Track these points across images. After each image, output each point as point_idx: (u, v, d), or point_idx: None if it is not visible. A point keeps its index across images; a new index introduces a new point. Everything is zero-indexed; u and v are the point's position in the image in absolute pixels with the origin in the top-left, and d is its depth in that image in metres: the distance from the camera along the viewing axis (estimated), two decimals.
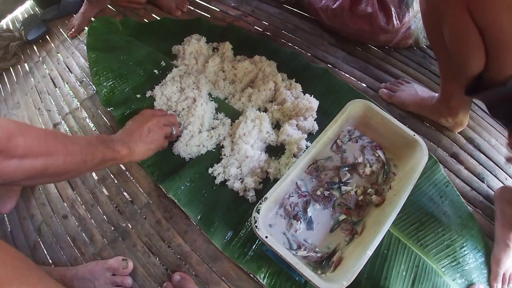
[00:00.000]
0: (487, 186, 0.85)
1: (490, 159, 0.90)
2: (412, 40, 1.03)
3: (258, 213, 0.63)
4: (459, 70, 0.69)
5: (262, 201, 0.64)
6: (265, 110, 0.92)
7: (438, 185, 0.80)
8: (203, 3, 1.29)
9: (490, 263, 0.73)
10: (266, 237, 0.60)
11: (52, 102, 1.12)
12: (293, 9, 1.23)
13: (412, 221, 0.76)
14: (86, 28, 1.27)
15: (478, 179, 0.86)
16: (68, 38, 1.29)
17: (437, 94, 0.87)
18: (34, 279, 0.53)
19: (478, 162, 0.89)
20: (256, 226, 0.61)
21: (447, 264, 0.73)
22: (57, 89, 1.15)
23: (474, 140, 0.92)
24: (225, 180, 0.82)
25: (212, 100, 0.95)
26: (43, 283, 0.55)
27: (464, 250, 0.74)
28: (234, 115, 0.92)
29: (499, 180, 0.87)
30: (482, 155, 0.90)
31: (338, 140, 0.80)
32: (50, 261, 0.82)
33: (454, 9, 0.57)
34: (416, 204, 0.78)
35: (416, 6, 0.95)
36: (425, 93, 0.92)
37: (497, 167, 0.89)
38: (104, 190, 0.89)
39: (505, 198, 0.78)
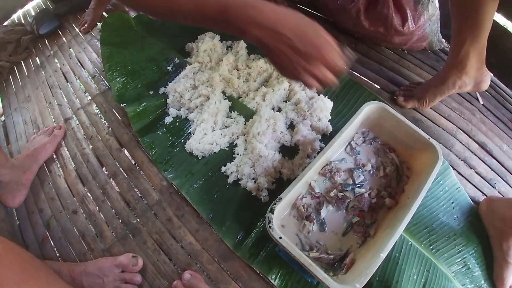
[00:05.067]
0: (498, 192, 0.85)
1: (502, 165, 0.90)
2: (426, 43, 1.03)
3: (272, 213, 0.62)
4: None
5: (277, 201, 0.64)
6: (279, 110, 0.92)
7: (450, 190, 0.80)
8: None
9: (494, 282, 0.72)
10: (280, 237, 0.59)
11: (64, 96, 1.12)
12: (307, 9, 1.23)
13: (424, 225, 0.76)
14: (98, 23, 1.27)
15: (490, 184, 0.86)
16: (80, 33, 1.29)
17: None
18: (43, 282, 0.53)
19: (490, 168, 0.89)
20: (270, 227, 0.61)
21: (457, 269, 0.72)
22: (68, 83, 1.15)
23: (487, 145, 0.91)
24: (238, 179, 0.82)
25: (225, 99, 0.94)
26: (52, 285, 0.55)
27: (475, 256, 0.74)
28: (248, 114, 0.91)
29: (510, 186, 0.87)
30: (494, 160, 0.90)
31: (352, 142, 0.80)
32: (59, 256, 0.82)
33: None
34: (428, 208, 0.77)
35: (431, 9, 0.94)
36: (432, 78, 0.92)
37: (508, 173, 0.89)
38: (115, 186, 0.89)
39: (493, 212, 0.75)
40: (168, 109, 0.94)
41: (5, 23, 1.43)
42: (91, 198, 0.89)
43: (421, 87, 0.94)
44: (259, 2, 0.51)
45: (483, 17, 0.69)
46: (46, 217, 0.88)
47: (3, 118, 1.19)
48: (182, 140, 0.89)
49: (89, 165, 0.94)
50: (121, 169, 0.91)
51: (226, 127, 0.90)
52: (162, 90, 0.98)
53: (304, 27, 0.54)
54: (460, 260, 0.73)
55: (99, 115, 1.03)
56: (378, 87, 1.00)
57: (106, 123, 1.00)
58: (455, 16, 0.75)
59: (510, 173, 0.89)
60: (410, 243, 0.73)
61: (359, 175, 0.76)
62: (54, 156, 0.98)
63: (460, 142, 0.91)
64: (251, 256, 0.73)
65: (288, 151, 0.86)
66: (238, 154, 0.85)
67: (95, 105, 1.05)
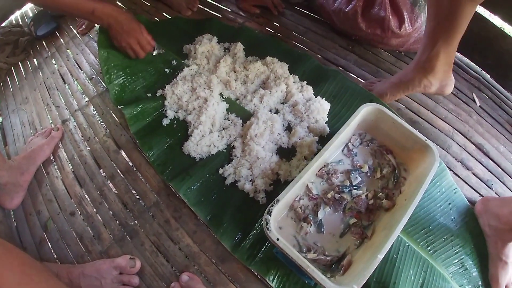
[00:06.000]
0: (495, 193, 0.86)
1: (499, 166, 0.90)
2: None
3: (270, 215, 0.62)
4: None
5: (274, 203, 0.64)
6: (277, 112, 0.92)
7: (447, 191, 0.80)
8: (214, 3, 1.29)
9: (489, 281, 0.72)
10: (278, 239, 0.59)
11: (61, 98, 1.12)
12: (304, 11, 1.23)
13: (421, 226, 0.76)
14: (96, 25, 1.27)
15: (487, 185, 0.86)
16: (78, 35, 1.29)
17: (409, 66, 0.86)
18: (43, 284, 0.53)
19: (487, 169, 0.89)
20: (267, 228, 0.61)
21: (454, 270, 0.73)
22: (66, 85, 1.15)
23: (483, 146, 0.92)
24: (236, 181, 0.82)
25: (223, 101, 0.95)
26: (51, 287, 0.55)
27: (472, 257, 0.74)
28: (246, 116, 0.92)
29: (507, 187, 0.87)
30: (491, 161, 0.91)
31: (349, 144, 0.80)
32: (56, 258, 0.82)
33: None
34: (425, 209, 0.78)
35: None
36: (398, 73, 0.91)
37: (505, 174, 0.89)
38: (113, 188, 0.89)
39: (488, 211, 0.75)
40: (166, 111, 0.94)
41: (3, 24, 1.43)
42: (89, 200, 0.88)
43: (382, 82, 0.94)
44: (111, 8, 0.96)
45: (460, 20, 0.68)
46: (44, 219, 0.88)
47: (0, 119, 1.18)
48: (180, 142, 0.89)
49: (87, 167, 0.94)
50: (118, 171, 0.91)
51: (223, 129, 0.90)
52: (159, 92, 0.98)
53: (129, 21, 0.99)
54: (458, 261, 0.73)
55: (97, 116, 1.03)
56: None
57: (104, 125, 1.00)
58: (431, 15, 0.74)
59: (507, 174, 0.89)
60: (407, 244, 0.73)
61: (356, 177, 0.76)
62: (52, 157, 0.98)
63: (457, 144, 0.92)
64: (248, 258, 0.73)
65: (286, 152, 0.86)
66: (235, 156, 0.85)
67: (92, 106, 1.05)
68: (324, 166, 0.77)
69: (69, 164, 0.96)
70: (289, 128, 0.89)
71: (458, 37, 0.72)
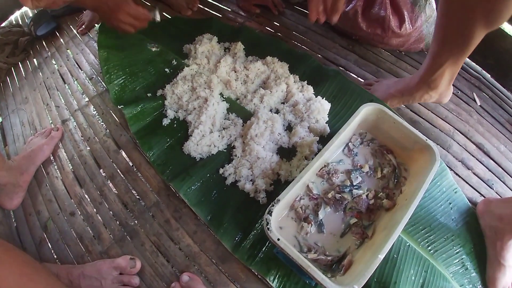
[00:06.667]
0: (496, 192, 0.85)
1: (499, 166, 0.90)
2: (423, 45, 1.04)
3: (270, 215, 0.62)
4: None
5: (275, 203, 0.64)
6: (277, 112, 0.92)
7: (447, 191, 0.80)
8: (215, 3, 1.29)
9: (486, 284, 0.72)
10: (278, 239, 0.59)
11: (61, 98, 1.12)
12: (305, 11, 1.23)
13: (421, 226, 0.76)
14: (96, 25, 1.27)
15: (487, 185, 0.86)
16: (78, 35, 1.29)
17: (413, 75, 0.86)
18: (43, 284, 0.53)
19: (487, 168, 0.89)
20: (268, 228, 0.61)
21: (455, 270, 0.72)
22: (66, 85, 1.15)
23: (484, 146, 0.92)
24: (236, 181, 0.82)
25: (223, 100, 0.95)
26: (51, 287, 0.55)
27: (472, 257, 0.74)
28: (246, 115, 0.91)
29: (508, 187, 0.87)
30: (491, 161, 0.90)
31: (350, 143, 0.80)
32: (56, 258, 0.82)
33: None
34: (426, 209, 0.77)
35: (428, 11, 0.95)
36: (398, 83, 0.91)
37: (506, 173, 0.89)
38: (113, 188, 0.89)
39: (491, 212, 0.74)
40: (166, 111, 0.94)
41: (3, 24, 1.43)
42: (89, 200, 0.88)
43: (381, 84, 0.94)
44: None
45: (470, 44, 0.67)
46: (44, 219, 0.88)
47: (0, 119, 1.18)
48: (180, 142, 0.89)
49: (87, 167, 0.93)
50: (118, 171, 0.91)
51: (224, 129, 0.90)
52: (159, 92, 0.98)
53: None
54: (458, 261, 0.73)
55: (97, 116, 1.03)
56: None
57: (104, 125, 1.00)
58: (438, 37, 0.73)
59: (508, 174, 0.89)
60: (408, 244, 0.73)
61: (357, 177, 0.76)
62: (52, 157, 0.98)
63: (458, 143, 0.92)
64: (249, 258, 0.73)
65: (286, 152, 0.86)
66: (236, 156, 0.85)
67: (92, 106, 1.05)
68: (325, 166, 0.77)
69: (69, 164, 0.96)
70: (289, 128, 0.89)
71: (465, 57, 0.72)
